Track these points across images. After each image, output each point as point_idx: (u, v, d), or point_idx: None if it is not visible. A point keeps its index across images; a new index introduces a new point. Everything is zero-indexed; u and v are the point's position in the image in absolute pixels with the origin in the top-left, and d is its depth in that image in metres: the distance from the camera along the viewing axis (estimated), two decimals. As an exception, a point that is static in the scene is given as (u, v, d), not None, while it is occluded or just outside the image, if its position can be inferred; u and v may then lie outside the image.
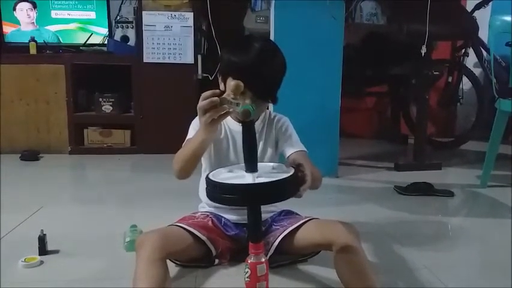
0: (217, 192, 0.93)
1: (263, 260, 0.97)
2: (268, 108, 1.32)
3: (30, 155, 2.73)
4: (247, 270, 0.97)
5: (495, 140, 2.21)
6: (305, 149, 1.30)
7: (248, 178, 0.95)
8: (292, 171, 0.97)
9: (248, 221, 1.00)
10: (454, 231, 1.72)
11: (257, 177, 0.96)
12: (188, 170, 1.16)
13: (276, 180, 0.92)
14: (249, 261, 0.97)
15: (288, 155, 1.28)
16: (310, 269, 1.27)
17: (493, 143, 2.21)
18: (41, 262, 1.30)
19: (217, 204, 1.31)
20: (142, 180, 2.35)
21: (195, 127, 1.27)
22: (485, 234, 1.65)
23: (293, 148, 1.28)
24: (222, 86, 1.24)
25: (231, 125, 1.30)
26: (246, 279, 0.97)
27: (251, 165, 0.97)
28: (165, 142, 2.44)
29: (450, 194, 2.09)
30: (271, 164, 1.08)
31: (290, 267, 1.28)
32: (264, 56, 1.15)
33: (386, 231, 1.63)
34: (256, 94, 1.16)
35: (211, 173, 1.00)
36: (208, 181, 0.96)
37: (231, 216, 1.32)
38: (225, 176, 1.00)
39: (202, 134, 1.06)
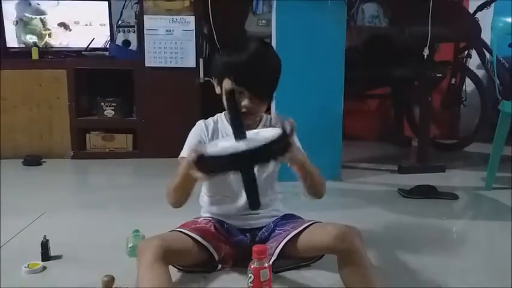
0: (212, 164, 0.95)
1: (266, 265, 0.97)
2: (269, 113, 1.31)
3: (33, 160, 2.73)
4: (250, 275, 0.97)
5: (499, 141, 2.19)
6: (304, 153, 1.27)
7: (239, 144, 0.96)
8: (280, 131, 0.97)
9: (245, 189, 0.98)
10: (459, 234, 1.71)
11: (247, 142, 0.96)
12: (182, 201, 1.19)
13: (263, 145, 0.92)
14: (252, 267, 0.96)
15: None
16: (313, 274, 1.26)
17: (497, 145, 2.20)
18: (44, 268, 1.30)
19: (219, 212, 1.31)
20: (145, 185, 2.34)
21: (193, 140, 1.26)
22: (490, 237, 1.64)
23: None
24: (217, 89, 1.24)
25: (229, 132, 1.27)
26: (249, 284, 0.97)
27: (239, 133, 0.98)
28: (167, 146, 2.44)
29: (454, 197, 2.08)
30: (256, 130, 1.09)
31: (293, 271, 1.27)
32: (259, 53, 1.16)
33: (390, 235, 1.62)
34: (252, 93, 1.16)
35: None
36: (201, 157, 0.96)
37: (233, 222, 1.31)
38: (216, 148, 1.01)
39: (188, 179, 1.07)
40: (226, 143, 1.01)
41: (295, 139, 1.30)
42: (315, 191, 1.22)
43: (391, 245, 1.51)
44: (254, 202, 0.97)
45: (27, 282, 1.24)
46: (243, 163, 0.93)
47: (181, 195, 1.17)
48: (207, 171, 0.96)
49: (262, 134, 1.02)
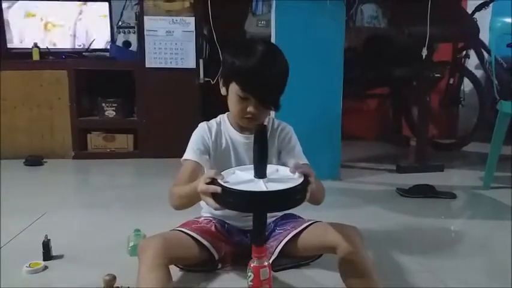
0: (227, 197, 0.92)
1: (266, 264, 0.98)
2: (270, 115, 1.31)
3: (34, 160, 2.74)
4: (250, 274, 0.97)
5: (497, 141, 2.21)
6: (307, 162, 1.28)
7: (259, 184, 0.94)
8: (301, 178, 0.96)
9: (253, 225, 1.00)
10: (457, 233, 1.72)
11: (266, 182, 0.95)
12: (185, 208, 1.19)
13: (287, 188, 0.91)
14: (252, 265, 0.97)
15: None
16: (313, 273, 1.28)
17: (495, 145, 2.21)
18: (45, 267, 1.31)
19: (220, 213, 1.31)
20: (146, 185, 2.36)
21: (197, 141, 1.26)
22: (488, 237, 1.65)
23: (295, 161, 1.26)
24: (223, 91, 1.23)
25: (233, 136, 1.29)
26: (249, 283, 0.98)
27: (260, 171, 0.96)
28: (168, 146, 2.46)
29: (452, 196, 2.09)
30: (276, 166, 1.08)
31: (293, 270, 1.28)
32: (268, 61, 1.14)
33: (389, 234, 1.63)
34: (259, 101, 1.16)
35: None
36: (219, 186, 0.94)
37: (234, 222, 1.32)
38: (233, 179, 0.99)
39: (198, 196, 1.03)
40: (244, 175, 0.99)
41: (298, 147, 1.31)
42: (315, 200, 1.17)
43: (390, 244, 1.52)
44: (258, 241, 0.97)
45: (29, 281, 1.25)
46: (260, 208, 0.92)
47: (185, 204, 1.18)
48: (220, 203, 0.94)
49: (281, 173, 1.01)
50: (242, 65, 1.14)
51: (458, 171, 2.68)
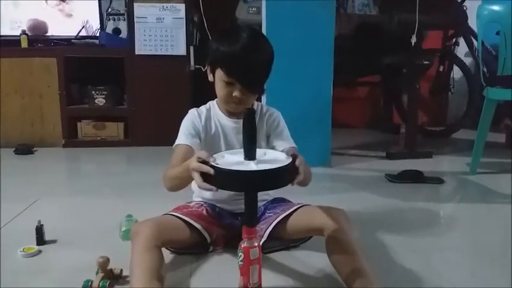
0: (220, 178, 0.95)
1: (256, 244, 1.00)
2: (260, 101, 1.33)
3: (25, 149, 2.74)
4: (240, 254, 1.00)
5: (483, 128, 2.24)
6: (295, 145, 1.30)
7: (249, 165, 0.96)
8: (290, 159, 0.99)
9: (245, 206, 1.02)
10: (444, 217, 1.76)
11: (256, 163, 0.97)
12: (178, 189, 1.20)
13: (278, 167, 0.94)
14: (242, 246, 1.00)
15: (279, 150, 1.29)
16: (302, 254, 1.30)
17: (482, 131, 2.25)
18: (39, 251, 1.33)
19: (211, 197, 1.34)
20: (137, 172, 2.37)
21: (187, 126, 1.28)
22: (474, 220, 1.69)
23: (284, 143, 1.29)
24: (210, 77, 1.24)
25: (222, 120, 1.31)
26: (240, 263, 1.00)
27: (250, 153, 0.98)
28: (158, 134, 2.47)
29: (440, 181, 2.13)
30: (263, 150, 1.10)
31: (283, 252, 1.31)
32: (251, 45, 1.16)
33: (378, 218, 1.66)
34: (244, 85, 1.17)
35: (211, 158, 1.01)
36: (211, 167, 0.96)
37: (225, 206, 1.34)
38: (224, 162, 1.00)
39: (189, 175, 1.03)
40: (234, 158, 1.01)
41: (286, 131, 1.33)
42: (302, 182, 1.14)
43: (377, 226, 1.55)
44: (250, 221, 1.00)
45: (24, 265, 1.26)
46: (251, 186, 0.94)
47: (178, 185, 1.19)
48: (213, 184, 0.96)
49: (269, 156, 1.03)
50: (226, 51, 1.15)
51: (446, 158, 2.73)
